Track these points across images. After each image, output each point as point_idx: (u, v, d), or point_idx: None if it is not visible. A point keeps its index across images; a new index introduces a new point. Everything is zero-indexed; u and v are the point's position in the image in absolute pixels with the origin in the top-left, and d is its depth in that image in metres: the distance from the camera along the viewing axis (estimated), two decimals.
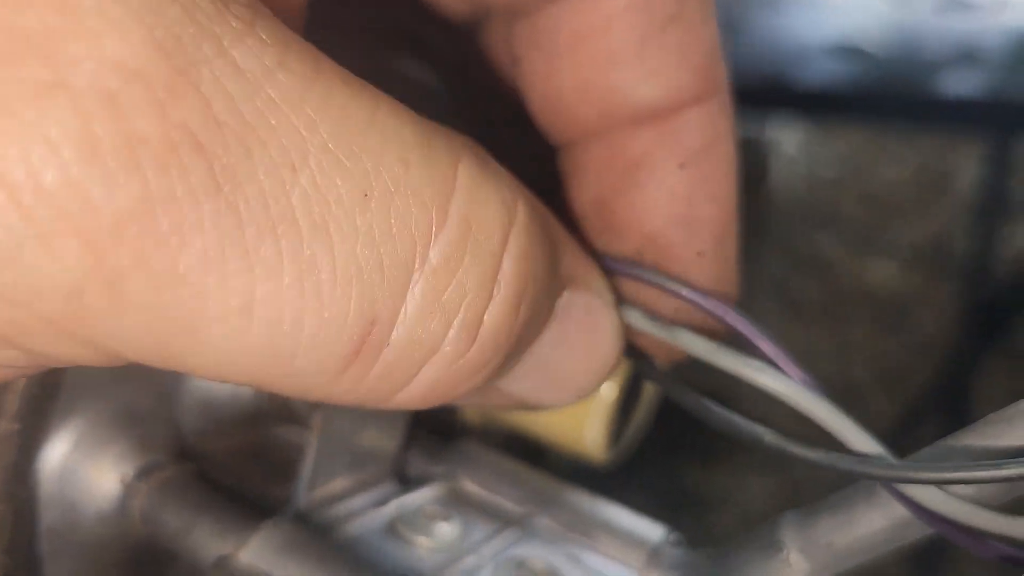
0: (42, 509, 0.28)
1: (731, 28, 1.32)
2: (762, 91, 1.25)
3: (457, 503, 0.34)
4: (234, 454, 0.33)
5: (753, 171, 1.60)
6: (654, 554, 0.33)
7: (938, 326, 1.60)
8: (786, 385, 0.26)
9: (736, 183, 0.27)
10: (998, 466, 0.24)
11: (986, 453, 0.26)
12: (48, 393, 0.27)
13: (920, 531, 0.28)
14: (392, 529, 0.32)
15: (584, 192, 0.28)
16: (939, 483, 0.25)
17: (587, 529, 0.34)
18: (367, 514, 0.32)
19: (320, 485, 0.32)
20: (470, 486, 0.35)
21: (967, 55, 1.28)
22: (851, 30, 1.34)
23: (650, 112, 0.26)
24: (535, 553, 0.32)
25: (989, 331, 1.53)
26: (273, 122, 0.16)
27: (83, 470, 0.29)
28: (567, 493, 0.35)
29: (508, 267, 0.20)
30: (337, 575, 0.28)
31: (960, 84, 1.23)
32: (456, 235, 0.19)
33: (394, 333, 0.19)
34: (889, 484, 0.26)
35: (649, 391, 0.40)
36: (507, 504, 0.35)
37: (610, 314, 0.26)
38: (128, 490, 0.30)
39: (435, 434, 0.37)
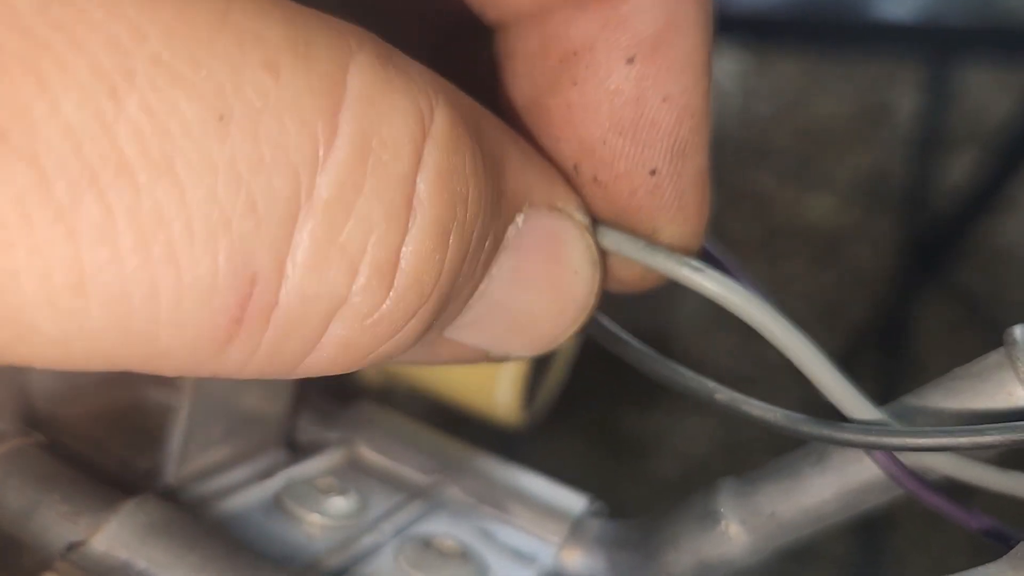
0: None
1: None
2: None
3: (354, 473, 0.30)
4: (93, 421, 0.29)
5: None
6: (576, 527, 0.29)
7: (875, 259, 1.60)
8: (780, 328, 0.22)
9: (705, 84, 0.22)
10: (1010, 428, 0.20)
11: (958, 412, 0.22)
12: None
13: (875, 499, 0.25)
14: (279, 504, 0.27)
15: (515, 89, 0.23)
16: (949, 449, 0.21)
17: (501, 501, 0.30)
18: (249, 488, 0.28)
19: (193, 456, 0.28)
20: (368, 454, 0.31)
21: None
22: None
23: None
24: (443, 529, 0.28)
25: (926, 264, 1.52)
26: (80, 34, 0.13)
27: None
28: (478, 460, 0.31)
29: (424, 190, 0.16)
30: (210, 562, 0.24)
31: (896, 8, 1.21)
32: (350, 155, 0.15)
33: (283, 290, 0.15)
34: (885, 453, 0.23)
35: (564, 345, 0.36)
36: (411, 473, 0.31)
37: (582, 237, 0.21)
38: None
39: (329, 395, 0.33)
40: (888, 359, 1.43)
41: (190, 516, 0.25)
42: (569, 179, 0.22)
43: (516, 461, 0.31)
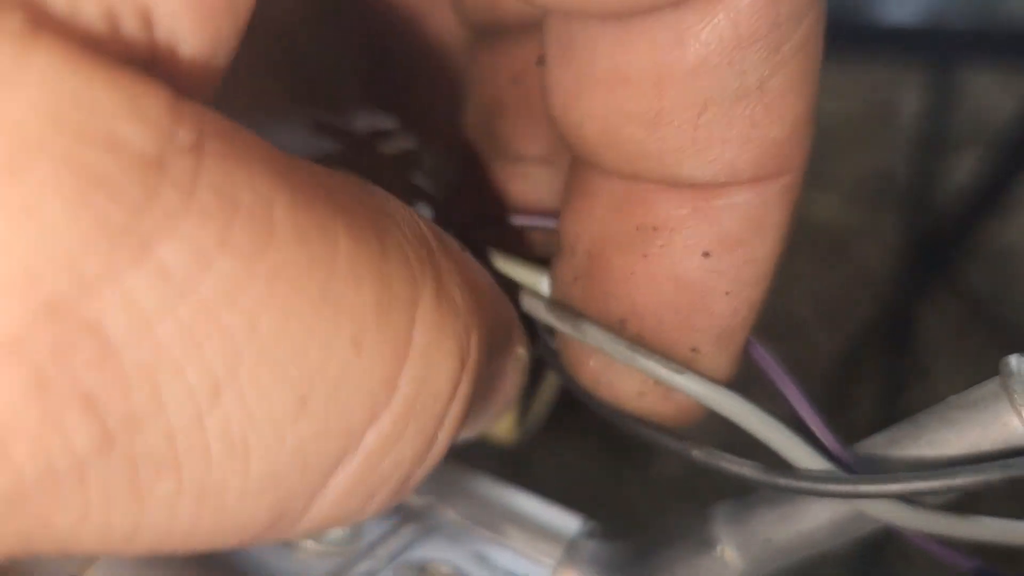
0: None
1: None
2: None
3: None
4: None
5: None
6: (571, 548, 0.29)
7: (880, 260, 1.59)
8: (710, 390, 0.22)
9: (767, 282, 0.22)
10: (951, 474, 0.20)
11: (930, 456, 0.22)
12: None
13: (869, 526, 0.25)
14: None
15: (583, 224, 0.22)
16: (894, 496, 0.21)
17: (495, 522, 0.30)
18: None
19: None
20: None
21: None
22: None
23: (690, 185, 0.20)
24: (438, 554, 0.28)
25: (932, 264, 1.52)
26: (200, 334, 0.13)
27: None
28: (472, 480, 0.31)
29: (450, 420, 0.17)
30: None
31: (899, 11, 1.20)
32: (402, 409, 0.16)
33: (307, 517, 0.16)
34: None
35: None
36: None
37: (521, 362, 0.23)
38: None
39: None
40: (892, 359, 1.43)
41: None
42: (613, 329, 0.22)
43: (517, 467, 0.31)
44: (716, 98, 0.19)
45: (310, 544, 0.27)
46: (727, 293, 0.21)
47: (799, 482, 0.22)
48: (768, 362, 0.23)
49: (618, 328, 0.22)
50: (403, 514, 0.30)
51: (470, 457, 0.32)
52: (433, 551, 0.28)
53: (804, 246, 1.67)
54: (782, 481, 0.22)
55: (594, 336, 0.22)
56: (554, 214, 0.25)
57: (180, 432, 0.13)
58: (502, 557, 0.29)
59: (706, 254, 0.21)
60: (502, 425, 0.34)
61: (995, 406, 0.22)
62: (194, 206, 0.12)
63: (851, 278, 1.60)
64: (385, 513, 0.20)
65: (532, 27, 0.25)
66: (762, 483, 0.22)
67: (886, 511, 0.22)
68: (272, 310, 0.13)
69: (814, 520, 0.25)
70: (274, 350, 0.13)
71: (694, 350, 0.22)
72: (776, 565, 0.26)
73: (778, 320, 1.77)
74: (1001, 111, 1.45)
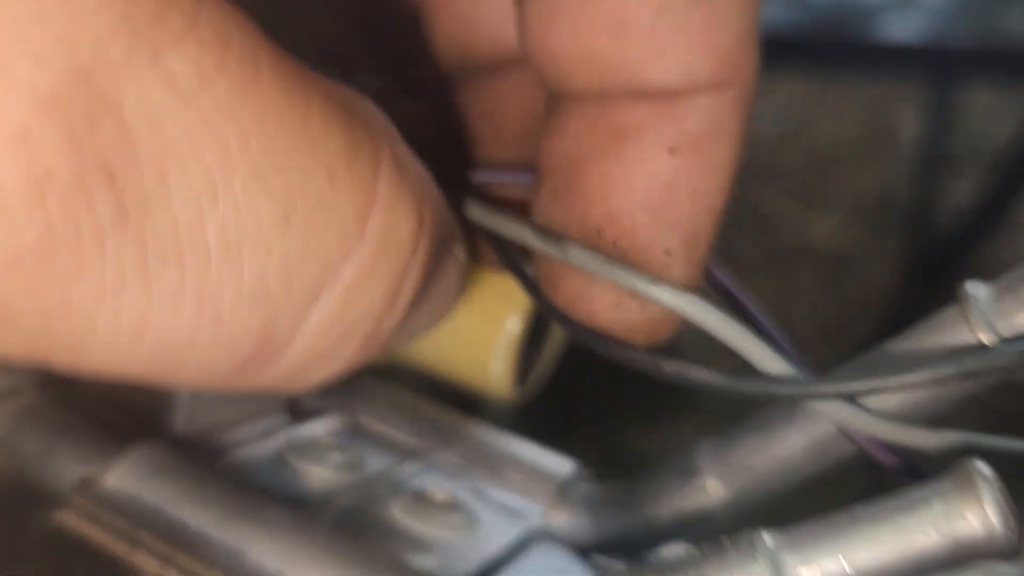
0: None
1: None
2: None
3: (352, 436, 0.32)
4: (108, 384, 0.31)
5: None
6: (562, 488, 0.31)
7: (880, 279, 1.60)
8: (681, 298, 0.24)
9: (728, 185, 0.24)
10: (905, 371, 0.22)
11: (900, 365, 0.24)
12: None
13: (840, 449, 0.26)
14: (281, 459, 0.29)
15: (559, 143, 0.25)
16: (845, 396, 0.23)
17: (492, 464, 0.31)
18: (253, 444, 0.29)
19: (200, 411, 0.29)
20: (367, 420, 0.33)
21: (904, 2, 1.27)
22: None
23: (654, 91, 0.23)
24: (437, 485, 0.30)
25: (930, 283, 1.53)
26: (201, 140, 0.16)
27: None
28: (471, 427, 0.33)
29: (412, 278, 0.20)
30: (217, 499, 0.25)
31: (900, 29, 1.22)
32: (371, 251, 0.19)
33: (291, 347, 0.19)
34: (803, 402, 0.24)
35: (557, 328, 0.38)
36: (407, 438, 0.32)
37: (461, 263, 0.26)
38: None
39: None
40: None
41: (197, 462, 0.26)
42: (591, 241, 0.24)
43: (516, 420, 0.33)
44: (670, 4, 0.21)
45: (317, 470, 0.29)
46: (692, 193, 0.23)
47: (763, 385, 0.23)
48: (729, 283, 0.25)
49: (595, 239, 0.24)
50: (404, 453, 0.31)
51: (471, 410, 0.34)
52: (432, 482, 0.30)
53: (805, 266, 1.69)
54: (746, 385, 0.23)
55: (575, 253, 0.24)
56: (526, 170, 0.27)
57: (184, 226, 0.16)
58: (497, 494, 0.30)
59: (672, 151, 0.23)
60: (501, 381, 0.35)
61: (953, 327, 0.24)
62: (195, 34, 0.15)
63: (851, 297, 1.62)
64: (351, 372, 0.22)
65: (503, 67, 0.28)
66: (727, 389, 0.23)
67: (840, 413, 0.24)
68: (260, 133, 0.16)
69: (789, 445, 0.27)
70: (262, 167, 0.16)
71: (666, 252, 0.24)
72: (758, 492, 0.28)
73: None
74: (1000, 131, 1.47)
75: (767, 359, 0.23)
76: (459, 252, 0.26)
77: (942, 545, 0.20)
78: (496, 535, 0.28)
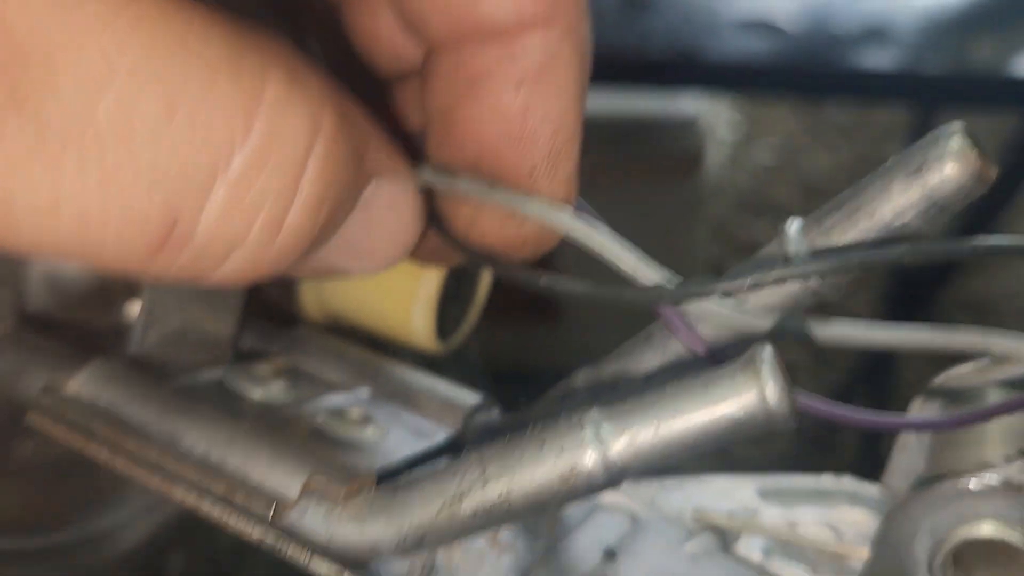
0: None
1: (644, 3, 1.34)
2: (675, 66, 1.27)
3: (287, 373, 0.36)
4: (68, 299, 0.36)
5: (689, 155, 1.62)
6: (469, 416, 0.35)
7: (868, 307, 1.63)
8: (550, 212, 0.28)
9: (576, 109, 0.29)
10: (727, 281, 0.27)
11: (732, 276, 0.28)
12: None
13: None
14: (222, 386, 0.34)
15: (432, 99, 0.30)
16: (692, 295, 0.28)
17: (408, 396, 0.36)
18: (198, 372, 0.34)
19: (152, 340, 0.34)
20: (301, 361, 0.38)
21: (877, 32, 1.32)
22: (762, 5, 1.37)
23: (494, 30, 0.28)
24: (356, 406, 0.34)
25: (916, 311, 1.56)
26: (80, 46, 0.19)
27: None
28: (392, 367, 0.37)
29: (311, 174, 0.23)
30: (169, 404, 0.30)
31: (873, 59, 1.27)
32: (258, 146, 0.21)
33: (198, 229, 0.21)
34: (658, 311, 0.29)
35: (482, 284, 0.43)
36: (335, 376, 0.37)
37: (411, 198, 0.28)
38: None
39: (271, 321, 0.40)
40: (877, 402, 1.46)
41: (151, 374, 0.31)
42: (470, 170, 0.29)
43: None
44: None
45: (256, 391, 0.33)
46: (543, 118, 0.28)
47: (630, 292, 0.28)
48: (592, 212, 0.29)
49: (476, 170, 0.29)
50: (326, 386, 0.36)
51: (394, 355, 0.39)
52: (350, 405, 0.35)
53: None
54: (606, 292, 0.28)
55: (464, 185, 0.29)
56: None
57: (77, 113, 0.19)
58: (411, 419, 0.35)
59: (517, 86, 0.28)
60: (422, 332, 0.40)
61: (773, 251, 0.29)
62: None
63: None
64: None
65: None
66: (596, 297, 0.28)
67: (697, 309, 0.28)
68: (135, 42, 0.19)
69: (647, 365, 0.31)
70: (141, 68, 0.19)
71: (532, 170, 0.29)
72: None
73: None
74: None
75: (645, 273, 0.28)
76: (405, 181, 0.28)
77: (730, 419, 0.24)
78: (404, 447, 0.33)
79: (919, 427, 0.31)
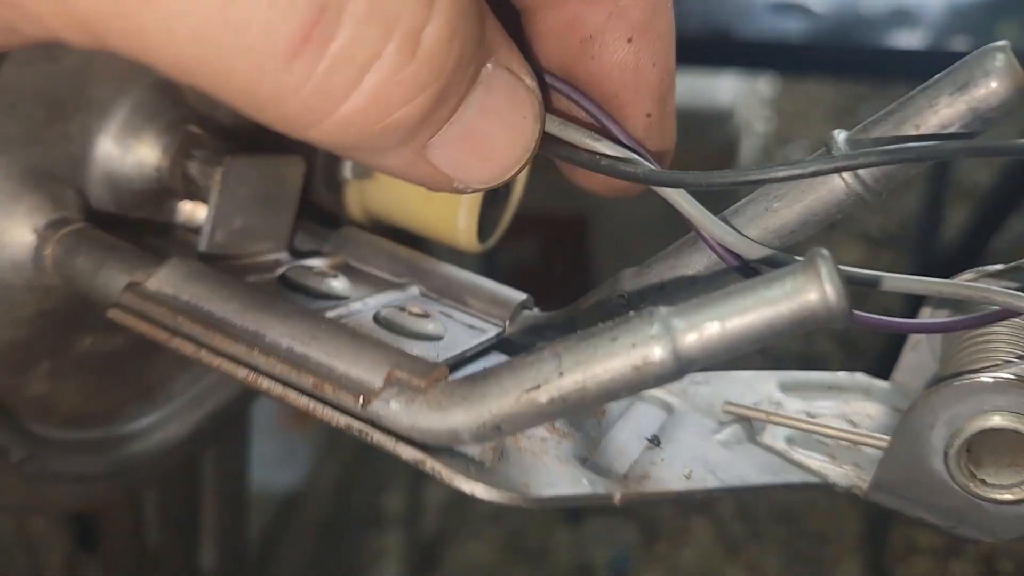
0: None
1: None
2: (709, 44, 1.31)
3: (343, 272, 0.38)
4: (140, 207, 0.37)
5: (724, 147, 1.66)
6: (516, 313, 0.37)
7: (898, 299, 1.68)
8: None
9: (673, 49, 0.31)
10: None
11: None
12: None
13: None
14: (285, 281, 0.36)
15: (547, 58, 0.31)
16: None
17: (458, 294, 0.38)
18: (262, 270, 0.36)
19: (220, 238, 0.36)
20: (353, 261, 0.39)
21: (905, 13, 1.35)
22: None
23: None
24: (413, 303, 0.36)
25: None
26: None
27: None
28: (440, 266, 0.39)
29: (431, 30, 0.22)
30: (239, 297, 0.31)
31: (901, 40, 1.30)
32: None
33: (340, 29, 0.21)
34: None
35: (517, 187, 0.45)
36: (387, 276, 0.39)
37: (532, 95, 0.28)
38: (40, 239, 0.34)
39: (321, 224, 0.41)
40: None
41: (222, 271, 0.33)
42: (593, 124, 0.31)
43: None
44: None
45: (316, 288, 0.35)
46: (654, 65, 0.30)
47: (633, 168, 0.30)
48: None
49: (600, 113, 0.31)
50: (384, 285, 0.38)
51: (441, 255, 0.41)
52: (408, 302, 0.36)
53: None
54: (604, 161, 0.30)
55: (573, 133, 0.31)
56: None
57: None
58: (462, 316, 0.37)
59: (629, 39, 0.30)
60: (467, 233, 0.42)
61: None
62: None
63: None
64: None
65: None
66: (587, 164, 0.30)
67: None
68: None
69: (694, 267, 0.33)
70: None
71: (648, 115, 0.31)
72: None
73: (801, 353, 1.89)
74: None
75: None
76: (518, 87, 0.27)
77: (793, 311, 0.26)
78: (461, 343, 0.35)
79: (936, 329, 0.34)
